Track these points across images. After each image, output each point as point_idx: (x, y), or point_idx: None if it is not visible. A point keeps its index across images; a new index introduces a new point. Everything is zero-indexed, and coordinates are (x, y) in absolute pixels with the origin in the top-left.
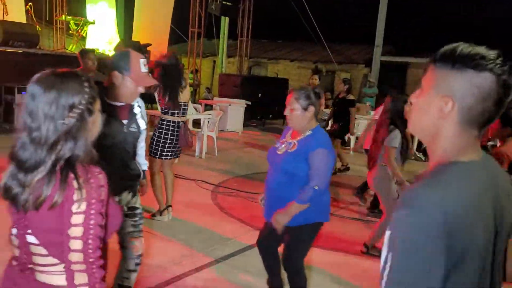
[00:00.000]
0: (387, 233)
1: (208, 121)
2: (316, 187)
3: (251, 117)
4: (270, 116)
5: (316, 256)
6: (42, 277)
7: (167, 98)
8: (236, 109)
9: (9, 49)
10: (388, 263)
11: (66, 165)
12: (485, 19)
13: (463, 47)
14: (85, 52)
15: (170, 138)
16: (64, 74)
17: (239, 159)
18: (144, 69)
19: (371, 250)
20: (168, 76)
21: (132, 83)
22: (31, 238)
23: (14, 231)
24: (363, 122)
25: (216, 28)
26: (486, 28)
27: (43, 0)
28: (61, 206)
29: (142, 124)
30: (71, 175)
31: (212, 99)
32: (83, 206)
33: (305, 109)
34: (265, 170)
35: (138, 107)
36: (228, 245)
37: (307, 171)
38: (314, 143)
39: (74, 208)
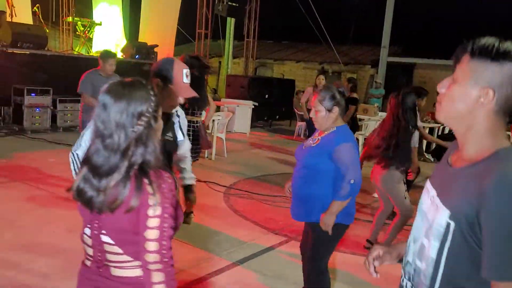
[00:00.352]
0: (442, 222)
1: (218, 123)
2: (352, 181)
3: (258, 118)
4: (277, 117)
5: (335, 259)
6: (117, 272)
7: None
8: (244, 110)
9: (17, 51)
10: (444, 254)
11: (139, 171)
12: (493, 17)
13: (500, 42)
14: (106, 56)
15: (192, 138)
16: (133, 84)
17: (248, 160)
18: (186, 80)
19: None
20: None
21: (172, 93)
22: (105, 238)
23: (88, 231)
24: (372, 123)
25: (222, 29)
26: (493, 28)
27: (49, 1)
28: (137, 209)
29: (179, 135)
30: (145, 181)
31: (219, 100)
32: (158, 211)
33: (330, 110)
34: (274, 171)
35: (177, 116)
36: (244, 248)
37: (330, 167)
38: (337, 139)
39: (150, 212)
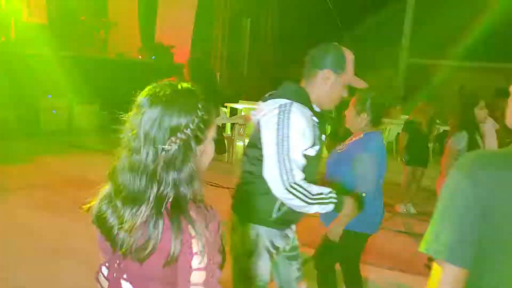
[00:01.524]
0: None
1: (237, 127)
2: (363, 194)
3: None
4: None
5: (371, 274)
6: None
7: None
8: None
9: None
10: None
11: (175, 205)
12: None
13: None
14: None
15: None
16: (178, 88)
17: None
18: (353, 68)
19: None
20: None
21: (341, 85)
22: (126, 285)
23: (105, 271)
24: (394, 128)
25: None
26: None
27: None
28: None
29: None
30: (185, 220)
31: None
32: (205, 261)
33: (358, 113)
34: None
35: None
36: None
37: (350, 176)
38: (359, 148)
39: (194, 263)
